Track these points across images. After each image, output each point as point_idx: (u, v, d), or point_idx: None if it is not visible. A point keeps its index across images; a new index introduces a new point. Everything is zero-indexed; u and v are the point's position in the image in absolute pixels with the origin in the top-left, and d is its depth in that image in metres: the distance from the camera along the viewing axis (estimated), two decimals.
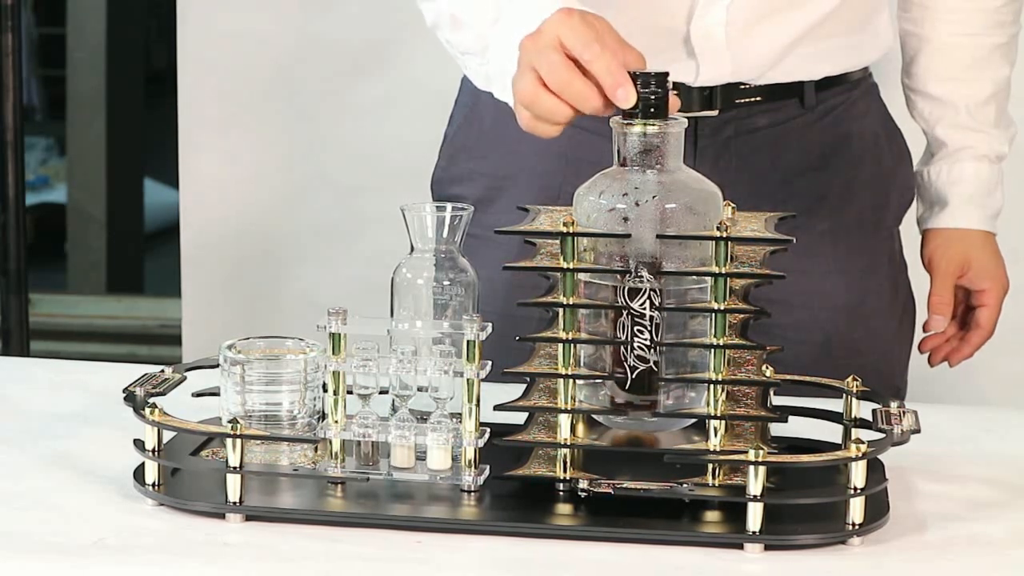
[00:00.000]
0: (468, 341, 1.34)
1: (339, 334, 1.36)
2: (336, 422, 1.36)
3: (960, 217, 1.90)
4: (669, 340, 1.34)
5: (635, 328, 1.33)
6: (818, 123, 1.80)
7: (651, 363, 1.34)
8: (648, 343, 1.33)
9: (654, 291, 1.33)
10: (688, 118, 1.41)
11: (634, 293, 1.33)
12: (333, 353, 1.36)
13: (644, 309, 1.33)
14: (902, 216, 1.90)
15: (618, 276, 1.34)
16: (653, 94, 1.35)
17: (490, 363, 1.35)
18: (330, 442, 1.37)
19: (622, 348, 1.34)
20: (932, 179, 1.91)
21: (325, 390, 1.37)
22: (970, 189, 1.90)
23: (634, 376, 1.34)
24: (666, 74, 1.36)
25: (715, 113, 1.75)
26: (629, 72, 1.36)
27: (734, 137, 1.77)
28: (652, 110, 1.35)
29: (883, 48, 1.85)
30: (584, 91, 1.39)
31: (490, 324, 1.36)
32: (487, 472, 1.37)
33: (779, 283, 1.36)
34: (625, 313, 1.33)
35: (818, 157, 1.81)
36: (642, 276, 1.32)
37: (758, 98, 1.77)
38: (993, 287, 1.89)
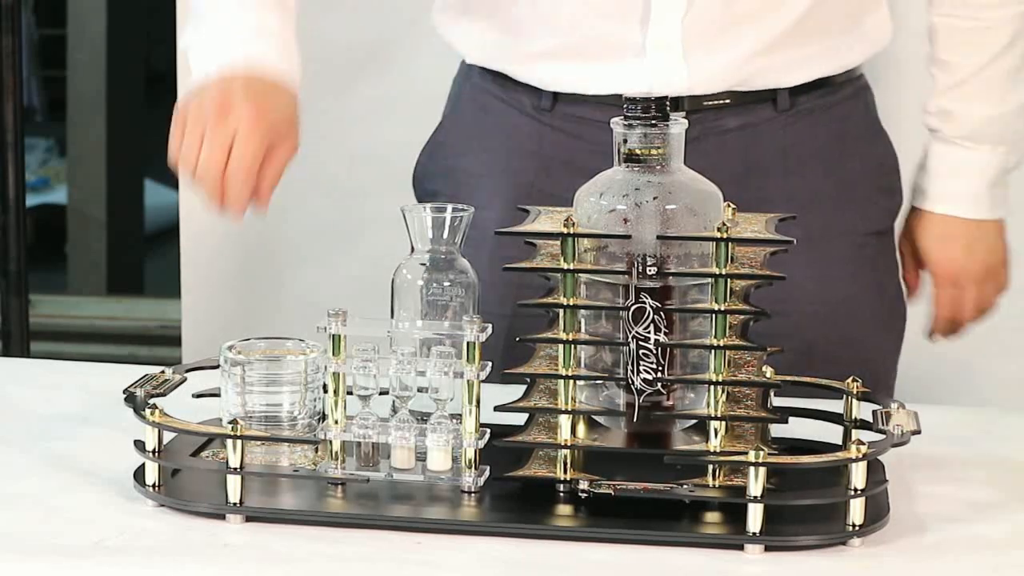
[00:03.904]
0: (468, 342, 1.34)
1: (339, 335, 1.36)
2: (336, 423, 1.36)
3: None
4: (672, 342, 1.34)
5: (640, 352, 1.33)
6: (793, 126, 1.76)
7: (658, 387, 1.34)
8: (654, 366, 1.34)
9: (659, 315, 1.33)
10: None
11: (638, 316, 1.33)
12: (333, 354, 1.36)
13: (648, 332, 1.33)
14: (890, 221, 1.86)
15: (620, 300, 1.34)
16: (655, 100, 1.35)
17: (490, 364, 1.35)
18: (330, 443, 1.37)
19: (628, 371, 1.34)
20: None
21: (325, 391, 1.37)
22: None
23: (641, 400, 1.34)
24: (666, 98, 1.35)
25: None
26: (628, 97, 1.35)
27: (702, 138, 1.70)
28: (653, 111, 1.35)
29: (874, 48, 1.80)
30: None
31: (490, 325, 1.36)
32: (487, 473, 1.37)
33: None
34: (630, 336, 1.33)
35: (796, 161, 1.77)
36: (644, 302, 1.32)
37: (726, 101, 1.73)
38: (935, 271, 1.87)
